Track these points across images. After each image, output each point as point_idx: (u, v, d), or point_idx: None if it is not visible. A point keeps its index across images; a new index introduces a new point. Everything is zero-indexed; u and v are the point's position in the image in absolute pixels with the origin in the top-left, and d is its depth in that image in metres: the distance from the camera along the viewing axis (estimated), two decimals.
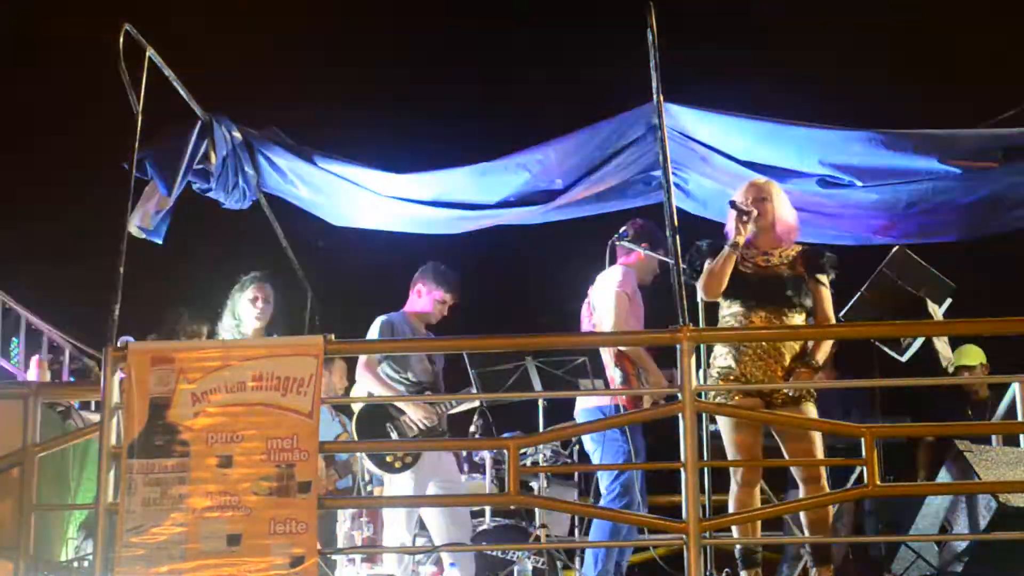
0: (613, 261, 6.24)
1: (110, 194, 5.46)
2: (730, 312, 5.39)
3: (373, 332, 6.27)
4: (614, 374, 5.86)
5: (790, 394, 5.24)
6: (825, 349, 5.34)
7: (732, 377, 5.26)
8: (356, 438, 6.33)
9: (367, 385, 6.27)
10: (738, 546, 5.29)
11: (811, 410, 5.29)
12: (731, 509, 5.22)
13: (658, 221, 5.55)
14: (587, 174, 5.86)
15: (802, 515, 5.36)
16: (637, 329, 5.97)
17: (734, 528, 5.28)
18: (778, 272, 5.37)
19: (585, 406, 6.02)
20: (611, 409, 5.86)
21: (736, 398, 5.24)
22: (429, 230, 6.46)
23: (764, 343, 5.26)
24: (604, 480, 6.06)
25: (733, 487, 5.26)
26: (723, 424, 5.33)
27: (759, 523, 5.38)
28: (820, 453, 5.24)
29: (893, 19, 9.96)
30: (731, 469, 5.33)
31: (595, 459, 6.03)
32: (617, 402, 5.90)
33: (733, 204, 5.34)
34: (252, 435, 4.50)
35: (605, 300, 5.97)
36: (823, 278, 5.38)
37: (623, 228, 6.14)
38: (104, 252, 5.28)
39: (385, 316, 6.32)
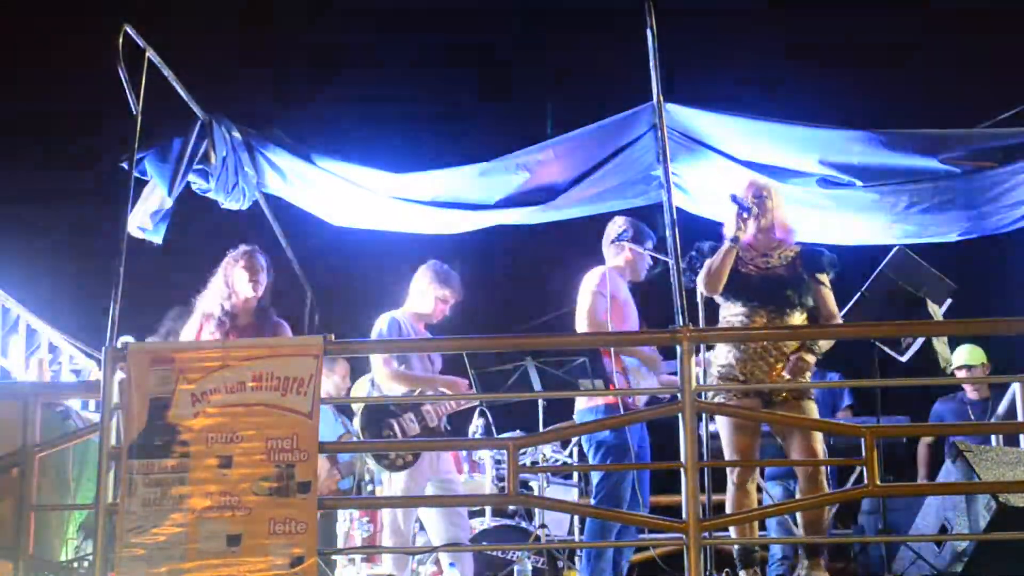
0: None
1: (110, 194, 5.46)
2: (731, 313, 5.43)
3: (382, 329, 6.23)
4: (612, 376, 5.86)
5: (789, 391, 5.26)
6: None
7: (732, 376, 5.28)
8: (361, 435, 6.32)
9: (382, 384, 6.23)
10: (736, 546, 5.31)
11: (812, 407, 5.31)
12: (728, 510, 5.24)
13: (658, 221, 5.56)
14: (587, 174, 5.86)
15: (800, 513, 5.40)
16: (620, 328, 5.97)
17: (732, 528, 5.30)
18: (777, 273, 5.40)
19: (580, 407, 6.02)
20: (602, 409, 5.85)
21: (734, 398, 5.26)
22: (429, 230, 6.46)
23: (765, 342, 5.28)
24: (595, 478, 6.07)
25: (730, 488, 5.28)
26: (721, 425, 5.36)
27: (756, 523, 5.39)
28: (821, 448, 5.29)
29: (893, 19, 9.96)
30: (727, 470, 5.35)
31: (590, 458, 6.05)
32: (609, 402, 5.89)
33: (735, 199, 5.34)
34: (252, 435, 4.51)
35: (580, 302, 6.00)
36: (823, 277, 5.41)
37: (622, 230, 6.12)
38: (104, 252, 5.28)
39: (390, 314, 6.31)
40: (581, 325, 5.93)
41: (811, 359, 5.32)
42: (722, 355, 5.42)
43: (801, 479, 5.34)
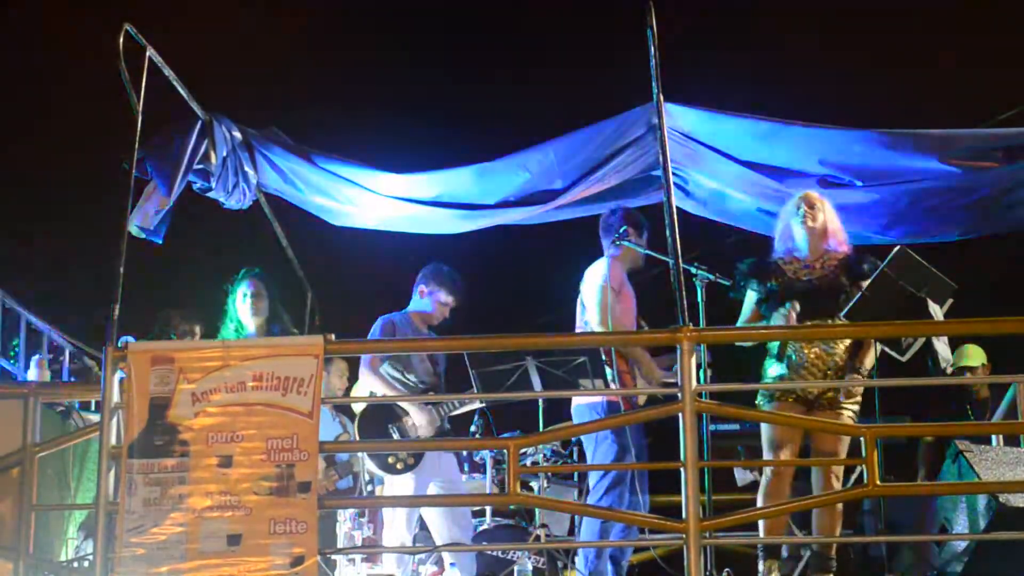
0: None
1: (110, 194, 5.46)
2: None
3: (375, 331, 6.26)
4: (607, 373, 5.87)
5: (833, 395, 5.40)
6: (871, 355, 5.49)
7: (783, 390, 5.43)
8: (358, 438, 6.32)
9: (370, 384, 6.26)
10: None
11: (846, 414, 5.41)
12: (760, 501, 5.40)
13: (658, 221, 5.57)
14: (587, 174, 5.86)
15: (814, 520, 5.50)
16: (627, 321, 5.97)
17: (760, 524, 5.43)
18: (821, 282, 5.50)
19: (578, 403, 6.02)
20: (602, 406, 5.86)
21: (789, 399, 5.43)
22: (429, 230, 6.46)
23: (815, 352, 5.40)
24: (593, 477, 6.07)
25: (767, 477, 5.44)
26: (765, 426, 5.50)
27: (787, 518, 5.51)
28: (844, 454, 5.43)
29: (893, 19, 9.96)
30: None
31: (589, 455, 6.06)
32: (609, 399, 5.89)
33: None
34: (252, 435, 4.50)
35: (591, 298, 5.99)
36: (865, 284, 5.46)
37: (622, 229, 6.13)
38: (104, 252, 5.28)
39: (387, 316, 6.32)
40: (592, 317, 5.92)
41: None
42: (773, 367, 5.52)
43: (816, 488, 5.46)
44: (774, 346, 5.57)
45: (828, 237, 5.57)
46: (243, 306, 6.12)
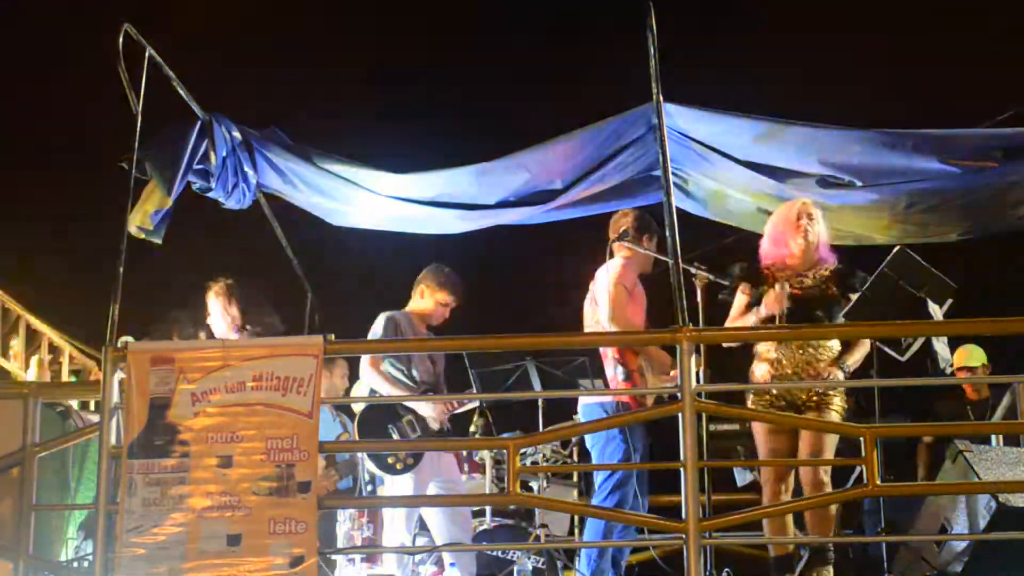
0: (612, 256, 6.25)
1: (110, 194, 5.46)
2: None
3: (377, 328, 6.25)
4: (616, 372, 5.87)
5: (817, 397, 5.41)
6: (857, 355, 5.52)
7: (767, 392, 5.46)
8: (358, 438, 6.32)
9: (371, 382, 6.26)
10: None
11: (833, 414, 5.42)
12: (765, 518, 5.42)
13: (658, 221, 5.56)
14: (587, 174, 5.85)
15: (806, 516, 5.48)
16: (638, 322, 5.98)
17: (765, 524, 5.41)
18: (811, 293, 5.53)
19: (587, 402, 6.02)
20: (612, 406, 5.86)
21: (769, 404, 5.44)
22: (429, 230, 6.45)
23: (798, 356, 5.44)
24: (598, 477, 6.07)
25: (766, 494, 5.47)
26: (757, 430, 5.52)
27: (789, 519, 5.49)
28: (830, 455, 5.41)
29: (894, 18, 9.96)
30: (763, 479, 5.49)
31: (594, 455, 6.05)
32: (619, 400, 5.90)
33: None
34: (252, 435, 4.51)
35: (604, 295, 5.97)
36: (855, 297, 5.48)
37: (622, 229, 6.13)
38: (104, 252, 5.28)
39: (389, 313, 6.32)
40: (603, 315, 5.91)
41: (840, 375, 5.45)
42: (759, 370, 5.56)
43: (805, 486, 5.43)
44: (762, 349, 5.58)
45: (820, 248, 5.63)
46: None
